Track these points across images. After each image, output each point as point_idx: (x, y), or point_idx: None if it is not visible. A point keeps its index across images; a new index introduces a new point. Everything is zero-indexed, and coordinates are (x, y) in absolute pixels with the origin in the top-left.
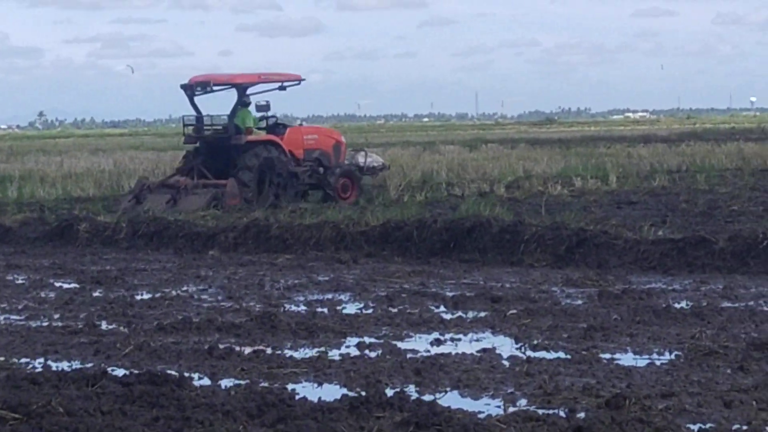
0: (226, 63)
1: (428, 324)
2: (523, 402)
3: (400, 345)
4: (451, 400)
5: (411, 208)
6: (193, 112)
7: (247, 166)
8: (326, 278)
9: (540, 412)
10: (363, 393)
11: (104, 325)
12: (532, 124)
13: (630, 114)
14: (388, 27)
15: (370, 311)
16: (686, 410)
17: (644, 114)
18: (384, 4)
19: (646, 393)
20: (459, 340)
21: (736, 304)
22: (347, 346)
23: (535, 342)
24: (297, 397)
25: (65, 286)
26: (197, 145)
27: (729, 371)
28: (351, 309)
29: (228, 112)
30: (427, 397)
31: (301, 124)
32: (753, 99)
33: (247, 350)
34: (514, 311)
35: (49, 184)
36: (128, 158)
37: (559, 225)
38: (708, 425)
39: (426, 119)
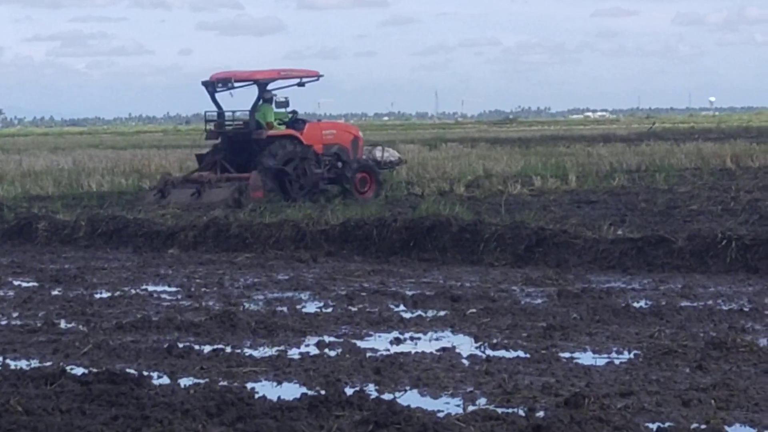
0: (187, 62)
1: (388, 323)
2: (482, 401)
3: (360, 344)
4: (411, 399)
5: (371, 207)
6: (215, 109)
7: (271, 155)
8: (286, 277)
9: (499, 411)
10: (322, 392)
11: (63, 324)
12: (492, 124)
13: (590, 114)
14: (348, 26)
15: (329, 310)
16: (645, 409)
17: (604, 113)
18: (345, 4)
19: (605, 392)
20: (418, 339)
21: (695, 304)
22: (307, 345)
23: (495, 341)
24: (256, 396)
25: (24, 284)
26: (218, 141)
27: (687, 370)
28: (311, 308)
29: (249, 109)
30: (387, 396)
31: (319, 120)
32: (712, 99)
33: (207, 349)
34: (474, 310)
35: (8, 182)
36: (87, 157)
37: (519, 224)
38: (667, 424)
39: (386, 118)
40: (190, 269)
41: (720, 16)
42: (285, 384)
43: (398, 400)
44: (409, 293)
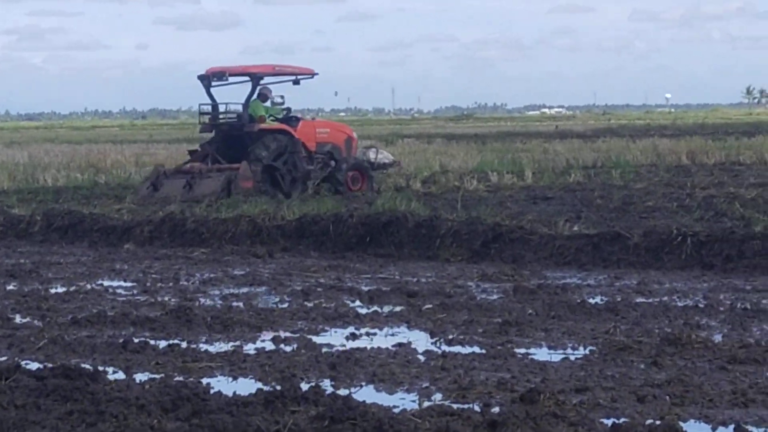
0: (144, 57)
1: (344, 318)
2: (438, 396)
3: (316, 339)
4: (366, 394)
5: (327, 203)
6: (209, 102)
7: (263, 148)
8: (242, 272)
9: (455, 406)
10: (278, 387)
11: (18, 319)
12: (449, 119)
13: (546, 110)
14: (306, 21)
15: (285, 305)
16: (600, 405)
17: (560, 110)
18: None
19: (560, 388)
20: (374, 334)
21: (650, 300)
22: (262, 341)
23: (451, 336)
24: (212, 391)
25: None
26: (212, 134)
27: (643, 366)
28: (266, 303)
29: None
30: (342, 392)
31: (313, 119)
32: (668, 95)
33: (162, 344)
34: (430, 306)
35: None
36: (43, 151)
37: (475, 220)
38: (621, 420)
39: (342, 114)
40: (146, 264)
41: (676, 13)
42: (240, 379)
43: (354, 396)
44: (365, 289)
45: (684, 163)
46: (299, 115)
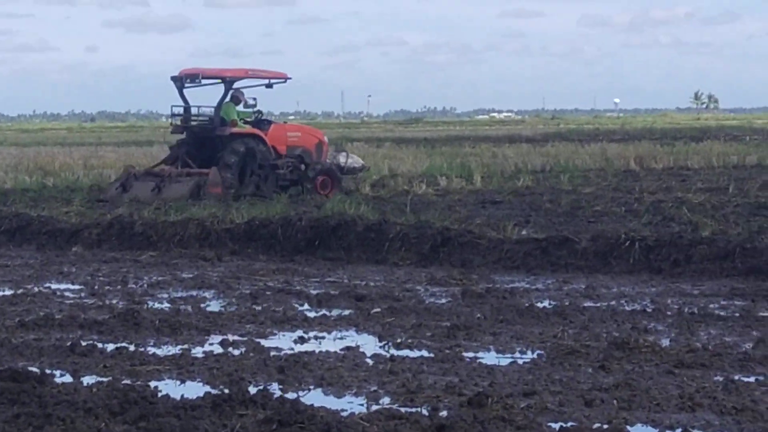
0: (92, 59)
1: (292, 322)
2: (386, 400)
3: (264, 343)
4: (315, 398)
5: (276, 206)
6: (182, 103)
7: (234, 151)
8: (190, 275)
9: (403, 410)
10: (226, 391)
11: None
12: (398, 123)
13: (495, 114)
14: (255, 24)
15: (234, 309)
16: (548, 409)
17: (509, 114)
18: (252, 2)
19: (508, 392)
20: (323, 338)
21: (598, 304)
22: (210, 344)
23: (399, 340)
24: (159, 394)
25: None
26: (184, 135)
27: (590, 370)
28: (215, 306)
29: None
30: (291, 395)
31: (285, 122)
32: (617, 100)
33: (110, 347)
34: (378, 310)
35: None
36: None
37: (424, 224)
38: (569, 424)
39: (292, 117)
40: (94, 267)
41: (625, 18)
42: (188, 383)
43: (302, 399)
44: (314, 292)
45: (632, 168)
46: (270, 119)
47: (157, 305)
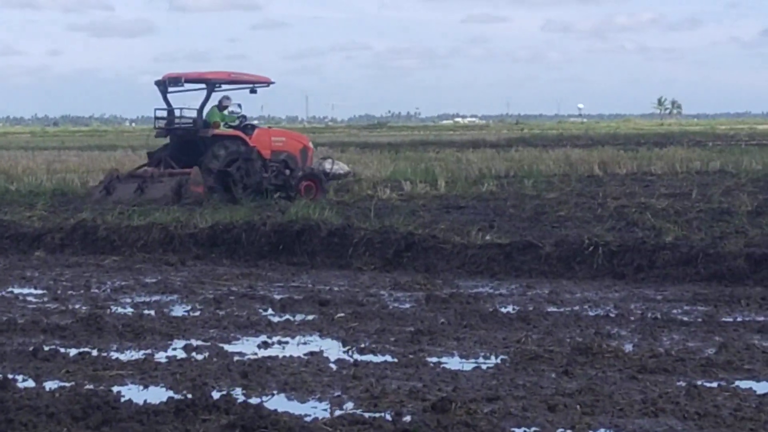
0: (56, 63)
1: (256, 327)
2: (349, 405)
3: (227, 348)
4: (278, 403)
5: (240, 211)
6: (165, 107)
7: (214, 155)
8: (153, 280)
9: (366, 415)
10: (189, 396)
11: None
12: (362, 128)
13: (459, 119)
14: (220, 29)
15: (197, 313)
16: (511, 414)
17: (473, 119)
18: (217, 6)
19: (471, 397)
20: (286, 343)
21: (562, 309)
22: (174, 349)
23: (363, 345)
24: (122, 399)
25: None
26: (167, 138)
27: (554, 375)
28: (178, 311)
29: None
30: (254, 400)
31: (269, 127)
32: (580, 106)
33: (73, 352)
34: (342, 314)
35: None
36: None
37: (388, 229)
38: (533, 429)
39: (256, 122)
40: (57, 272)
41: (589, 24)
42: (151, 388)
43: (265, 404)
44: (278, 297)
45: (596, 173)
46: (255, 123)
47: (120, 310)
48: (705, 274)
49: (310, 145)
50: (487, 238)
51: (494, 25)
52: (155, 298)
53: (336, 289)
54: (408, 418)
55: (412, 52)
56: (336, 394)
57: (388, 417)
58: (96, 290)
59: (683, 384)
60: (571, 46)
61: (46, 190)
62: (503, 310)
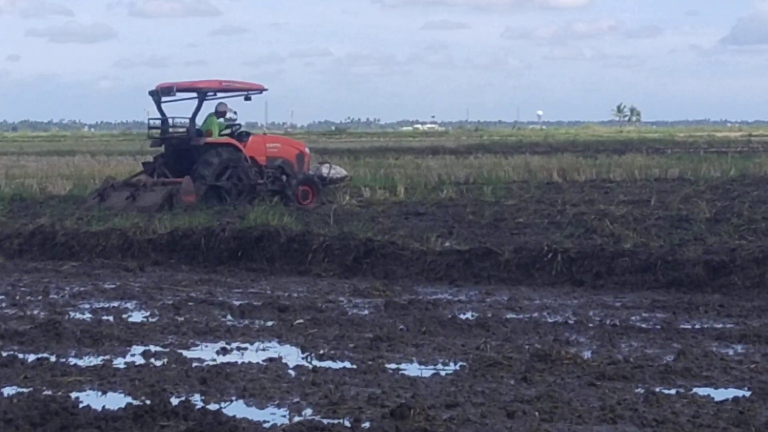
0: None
1: (215, 333)
2: (308, 411)
3: (186, 354)
4: (237, 409)
5: (199, 217)
6: (159, 116)
7: (207, 163)
8: (112, 286)
9: (325, 421)
10: (147, 402)
11: None
12: (322, 134)
13: (419, 125)
14: (179, 35)
15: (156, 319)
16: (470, 420)
17: (433, 125)
18: (176, 12)
19: (430, 403)
20: (245, 349)
21: (521, 316)
22: (132, 355)
23: (322, 352)
24: (81, 405)
25: None
26: (162, 147)
27: (512, 382)
28: (137, 317)
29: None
30: (213, 407)
31: (264, 134)
32: (539, 113)
33: (31, 358)
34: (301, 321)
35: None
36: None
37: (347, 235)
38: None
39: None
40: (15, 277)
41: (548, 31)
42: (110, 394)
43: (224, 411)
44: (237, 303)
45: (555, 180)
46: (249, 131)
47: (78, 316)
48: (663, 281)
49: (307, 150)
50: (447, 244)
51: (454, 31)
52: (114, 303)
53: (295, 295)
54: (367, 425)
55: (372, 59)
56: (295, 400)
57: (347, 423)
58: (54, 296)
59: (641, 391)
60: (530, 53)
61: (5, 196)
62: (462, 316)
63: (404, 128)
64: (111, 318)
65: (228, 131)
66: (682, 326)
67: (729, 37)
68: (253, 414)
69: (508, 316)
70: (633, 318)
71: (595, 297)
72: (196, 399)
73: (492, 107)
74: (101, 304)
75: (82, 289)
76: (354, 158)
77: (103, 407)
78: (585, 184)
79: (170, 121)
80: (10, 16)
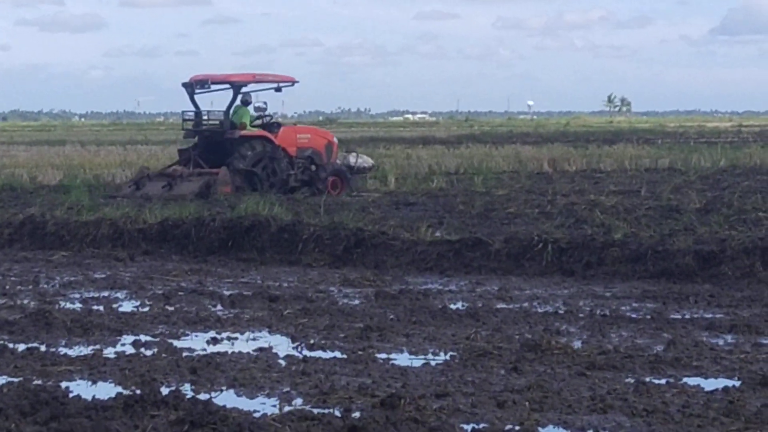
0: (5, 58)
1: (205, 322)
2: (298, 401)
3: (176, 343)
4: (227, 399)
5: (189, 206)
6: (193, 108)
7: (241, 156)
8: (102, 276)
9: (315, 411)
10: (138, 391)
11: None
12: (313, 124)
13: (409, 115)
14: (170, 24)
15: (146, 309)
16: (460, 410)
17: (423, 116)
18: (167, 2)
19: (420, 393)
20: (236, 339)
21: (511, 306)
22: (123, 344)
23: (312, 341)
24: (71, 395)
25: None
26: (196, 139)
27: (503, 372)
28: (127, 307)
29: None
30: (203, 396)
31: (295, 125)
32: (530, 103)
33: (21, 347)
34: (291, 311)
35: None
36: None
37: (337, 225)
38: (481, 425)
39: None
40: (5, 267)
41: (540, 21)
42: (100, 383)
43: (214, 400)
44: (227, 293)
45: (545, 170)
46: (280, 121)
47: (68, 305)
48: (654, 271)
49: (335, 140)
50: (437, 234)
51: (445, 22)
52: (104, 293)
53: (285, 285)
54: (357, 414)
55: (363, 49)
56: (285, 390)
57: (337, 413)
58: (45, 285)
59: (631, 381)
60: (521, 43)
61: None
62: (452, 306)
63: (395, 118)
64: (101, 308)
65: (259, 122)
66: (672, 316)
67: (719, 28)
68: (244, 403)
69: (499, 306)
70: (623, 308)
71: (585, 287)
72: (187, 389)
73: (483, 97)
74: (91, 294)
75: (72, 278)
76: (344, 148)
77: (93, 397)
78: (575, 174)
79: (204, 114)
80: (1, 6)
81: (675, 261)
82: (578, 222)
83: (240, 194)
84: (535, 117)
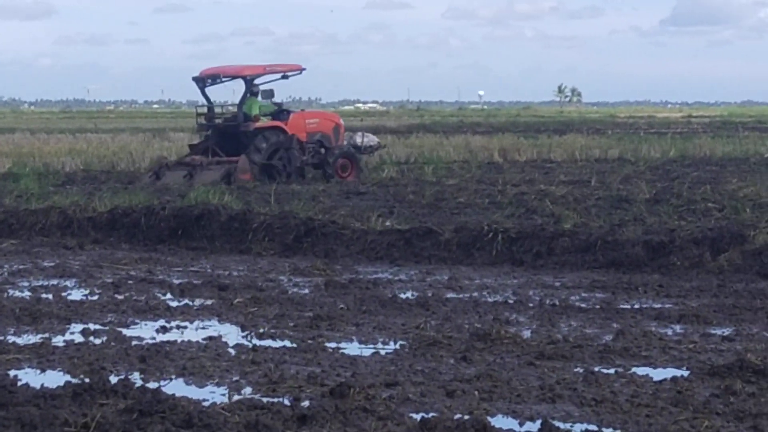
0: None
1: (154, 311)
2: (248, 390)
3: (126, 332)
4: (176, 387)
5: (139, 195)
6: (205, 102)
7: (257, 149)
8: (51, 264)
9: (265, 400)
10: (87, 380)
11: None
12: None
13: (360, 105)
14: (120, 12)
15: (95, 298)
16: (410, 399)
17: (374, 105)
18: None
19: (370, 382)
20: (185, 327)
21: (461, 295)
22: (72, 333)
23: (262, 330)
24: (19, 383)
25: None
26: (209, 132)
27: (452, 361)
28: (76, 295)
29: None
30: (152, 385)
31: (302, 110)
32: (481, 93)
33: None
34: (241, 299)
35: None
36: None
37: (288, 214)
38: (431, 414)
39: (156, 106)
40: None
41: (490, 11)
42: (49, 372)
43: (163, 389)
44: (177, 282)
45: (496, 160)
46: (290, 108)
47: (17, 294)
48: (603, 261)
49: (341, 122)
50: (387, 224)
51: (396, 11)
52: (53, 282)
53: (235, 274)
54: (306, 403)
55: (314, 38)
56: (234, 379)
57: (287, 402)
58: None
59: (581, 370)
60: (472, 33)
61: None
62: (402, 296)
63: (346, 107)
64: (50, 296)
65: (274, 108)
66: (621, 306)
67: (669, 18)
68: (193, 392)
69: (448, 296)
70: (572, 298)
71: (534, 277)
72: (136, 377)
73: (433, 87)
74: (40, 282)
75: (21, 267)
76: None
77: (42, 385)
78: (526, 164)
79: (217, 107)
80: None
81: (624, 251)
82: (528, 212)
83: (261, 181)
84: (485, 107)
